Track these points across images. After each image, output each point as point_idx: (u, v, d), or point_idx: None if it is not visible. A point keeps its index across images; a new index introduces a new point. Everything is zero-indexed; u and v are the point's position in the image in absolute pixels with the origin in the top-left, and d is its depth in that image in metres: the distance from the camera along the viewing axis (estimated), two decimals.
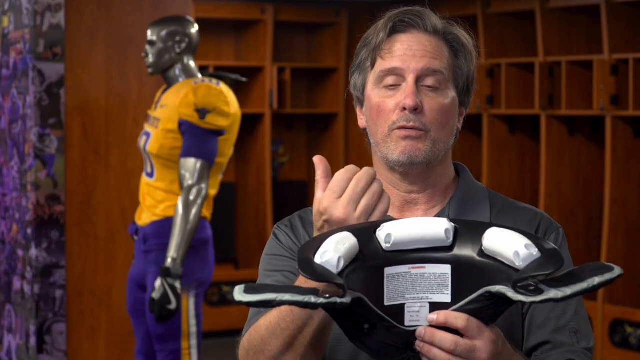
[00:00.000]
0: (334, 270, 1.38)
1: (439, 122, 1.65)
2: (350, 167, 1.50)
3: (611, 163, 5.75)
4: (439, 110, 1.65)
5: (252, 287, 1.36)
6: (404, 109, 1.64)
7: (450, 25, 1.71)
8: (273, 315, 1.53)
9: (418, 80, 1.65)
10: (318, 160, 1.53)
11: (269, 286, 1.36)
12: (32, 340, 4.42)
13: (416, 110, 1.64)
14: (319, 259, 1.39)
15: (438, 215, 1.70)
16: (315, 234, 1.51)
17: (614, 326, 5.71)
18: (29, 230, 4.42)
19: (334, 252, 1.40)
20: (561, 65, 6.02)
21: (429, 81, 1.66)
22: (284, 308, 1.50)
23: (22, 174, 4.48)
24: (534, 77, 6.17)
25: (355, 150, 7.63)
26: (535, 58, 6.18)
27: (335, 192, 1.48)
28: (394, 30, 1.68)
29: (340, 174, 1.49)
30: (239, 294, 1.35)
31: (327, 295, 1.33)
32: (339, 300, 1.32)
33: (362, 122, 1.74)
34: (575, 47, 6.22)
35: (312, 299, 1.32)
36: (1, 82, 4.68)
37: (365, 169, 1.50)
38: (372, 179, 1.49)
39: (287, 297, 1.33)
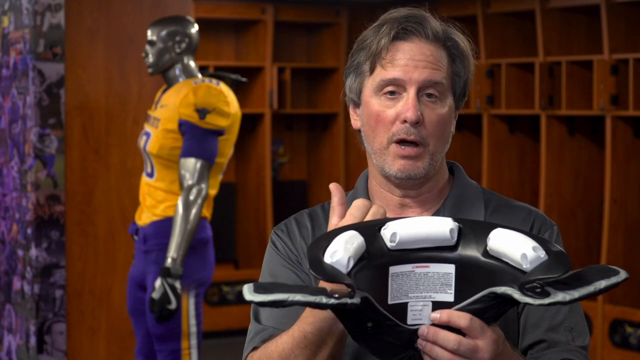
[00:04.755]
0: (344, 270, 1.40)
1: (438, 135, 1.66)
2: (366, 201, 1.57)
3: (611, 163, 5.75)
4: (438, 122, 1.66)
5: (261, 286, 1.36)
6: (405, 121, 1.64)
7: (450, 29, 1.70)
8: (285, 340, 1.55)
9: (419, 90, 1.65)
10: (335, 187, 1.58)
11: (279, 285, 1.37)
12: (32, 340, 4.42)
13: (417, 123, 1.64)
14: (328, 258, 1.40)
15: (433, 216, 1.70)
16: None
17: (614, 326, 5.71)
18: (29, 230, 4.42)
19: (343, 251, 1.41)
20: (561, 65, 6.02)
21: (430, 91, 1.66)
22: (297, 334, 1.53)
23: (22, 174, 4.48)
24: (534, 77, 6.16)
25: (355, 150, 7.62)
26: (535, 58, 6.18)
27: (356, 217, 1.53)
28: (395, 37, 1.67)
29: (360, 201, 1.55)
30: (249, 293, 1.35)
31: (337, 296, 1.34)
32: (349, 300, 1.33)
33: (356, 123, 1.74)
34: (575, 47, 6.22)
35: (323, 299, 1.33)
36: (1, 82, 4.68)
37: (378, 207, 1.56)
38: (384, 216, 1.56)
39: (298, 297, 1.33)
